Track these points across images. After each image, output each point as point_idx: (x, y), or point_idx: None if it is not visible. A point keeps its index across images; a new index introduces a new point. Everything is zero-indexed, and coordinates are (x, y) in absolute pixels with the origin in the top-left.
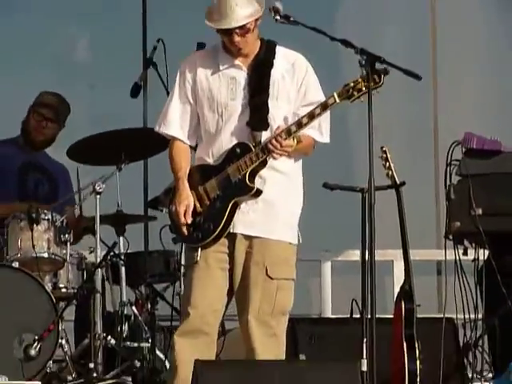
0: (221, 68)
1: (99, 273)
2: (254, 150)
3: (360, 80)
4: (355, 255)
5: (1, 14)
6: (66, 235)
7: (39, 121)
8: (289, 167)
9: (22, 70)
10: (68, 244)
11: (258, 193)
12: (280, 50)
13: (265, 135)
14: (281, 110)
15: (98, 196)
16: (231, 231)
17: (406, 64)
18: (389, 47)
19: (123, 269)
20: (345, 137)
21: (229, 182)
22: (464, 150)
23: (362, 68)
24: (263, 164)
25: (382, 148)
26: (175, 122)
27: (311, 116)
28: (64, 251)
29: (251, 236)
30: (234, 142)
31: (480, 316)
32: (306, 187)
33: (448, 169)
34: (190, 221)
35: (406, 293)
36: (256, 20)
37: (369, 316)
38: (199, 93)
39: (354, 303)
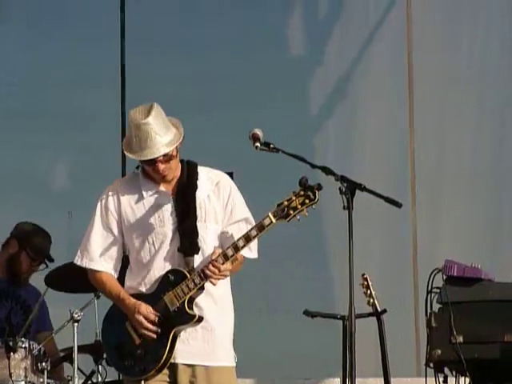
0: (145, 196)
1: None
2: (189, 276)
3: (294, 198)
4: (335, 383)
5: None
6: (44, 363)
7: (33, 265)
8: (222, 290)
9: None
10: (45, 372)
11: (200, 320)
12: (202, 171)
13: (197, 258)
14: (210, 230)
15: (76, 324)
16: (172, 361)
17: (385, 186)
18: (367, 169)
19: None
20: (324, 262)
21: (167, 311)
22: (445, 277)
23: (342, 195)
24: (201, 290)
25: (363, 275)
26: (99, 256)
27: (247, 238)
28: (41, 380)
29: (193, 365)
30: (168, 268)
31: None
32: (284, 314)
33: (429, 296)
34: (152, 328)
35: None
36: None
37: None
38: (125, 224)
39: None
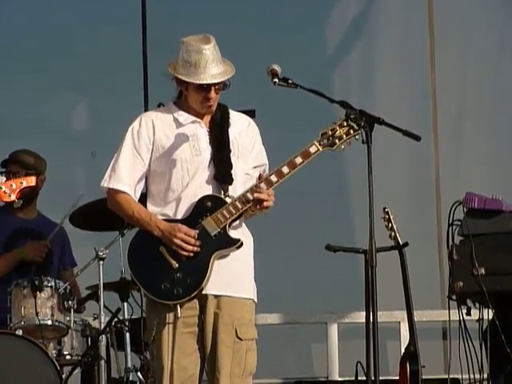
0: (182, 124)
1: (103, 339)
2: (228, 202)
3: (337, 127)
4: (361, 317)
5: None
6: (70, 302)
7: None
8: (242, 222)
9: (22, 139)
10: (72, 311)
11: (241, 245)
12: (232, 112)
13: (230, 189)
14: (239, 167)
15: (102, 262)
16: (202, 292)
17: (407, 121)
18: (388, 105)
19: (128, 335)
20: (346, 196)
21: (207, 235)
22: (465, 210)
23: (360, 129)
24: (240, 216)
25: (384, 209)
26: (127, 178)
27: (293, 165)
28: (68, 318)
29: (220, 295)
30: (199, 196)
31: (486, 376)
32: (308, 248)
33: (450, 229)
34: (197, 243)
35: (411, 354)
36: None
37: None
38: (158, 151)
39: (358, 365)
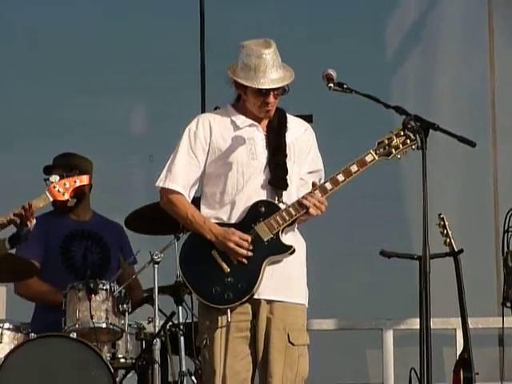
0: (240, 127)
1: (158, 343)
2: (282, 208)
3: (394, 137)
4: (417, 323)
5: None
6: (124, 305)
7: None
8: (295, 227)
9: (81, 143)
10: (126, 314)
11: (294, 251)
12: (290, 117)
13: (284, 194)
14: (294, 172)
15: (156, 265)
16: (255, 297)
17: (464, 127)
18: (445, 111)
19: (182, 338)
20: (400, 201)
21: (260, 241)
22: None
23: (415, 134)
24: (293, 223)
25: (439, 215)
26: (182, 179)
27: (348, 173)
28: (122, 321)
29: (273, 300)
30: (254, 200)
31: None
32: (364, 253)
33: (505, 236)
34: (249, 247)
35: (465, 361)
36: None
37: None
38: (215, 153)
39: (412, 372)
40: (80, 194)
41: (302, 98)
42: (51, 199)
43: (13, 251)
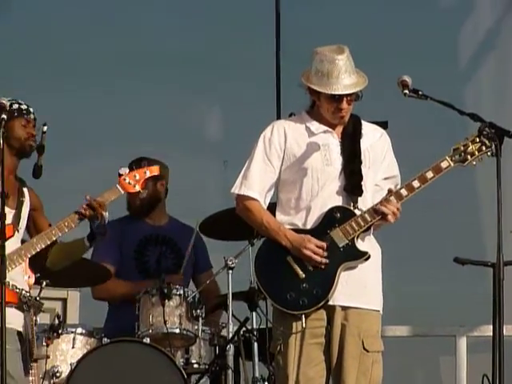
0: (314, 133)
1: (231, 348)
2: (357, 214)
3: (470, 143)
4: (490, 330)
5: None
6: (198, 310)
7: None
8: (371, 233)
9: (157, 147)
10: (200, 319)
11: (369, 257)
12: (365, 123)
13: (359, 201)
14: (369, 178)
15: (231, 271)
16: (330, 303)
17: None
18: None
19: (256, 344)
20: (475, 208)
21: (335, 246)
22: None
23: (490, 142)
24: (368, 229)
25: None
26: (257, 185)
27: (423, 180)
28: (196, 327)
29: (348, 307)
30: (329, 206)
31: None
32: (437, 260)
33: None
34: (325, 254)
35: None
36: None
37: None
38: (289, 159)
39: (484, 379)
40: (155, 198)
41: (377, 105)
42: (122, 192)
43: (88, 256)
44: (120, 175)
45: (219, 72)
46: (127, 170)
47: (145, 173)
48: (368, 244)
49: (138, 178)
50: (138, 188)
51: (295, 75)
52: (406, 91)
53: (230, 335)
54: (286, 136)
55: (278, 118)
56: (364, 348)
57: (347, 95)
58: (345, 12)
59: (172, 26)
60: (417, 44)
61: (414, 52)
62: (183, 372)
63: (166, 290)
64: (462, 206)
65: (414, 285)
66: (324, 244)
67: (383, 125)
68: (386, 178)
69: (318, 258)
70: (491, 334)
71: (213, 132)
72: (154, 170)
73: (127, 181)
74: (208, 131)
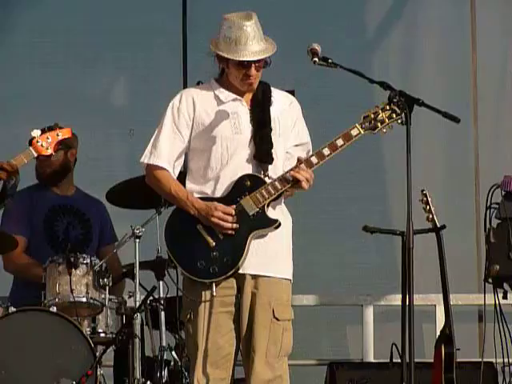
0: (223, 102)
1: (138, 317)
2: (268, 182)
3: (380, 111)
4: (397, 300)
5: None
6: (105, 279)
7: None
8: (282, 201)
9: (61, 115)
10: (107, 288)
11: (279, 225)
12: (275, 91)
13: (270, 168)
14: (280, 145)
15: (138, 240)
16: (240, 272)
17: (446, 103)
18: (428, 86)
19: (163, 313)
20: (381, 178)
21: (245, 215)
22: (503, 193)
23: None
24: (279, 196)
25: (422, 191)
26: (166, 154)
27: (334, 147)
28: (103, 296)
29: (257, 275)
30: (240, 174)
31: None
32: (345, 230)
33: (488, 212)
34: (233, 220)
35: (446, 337)
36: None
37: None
38: (198, 128)
39: (393, 347)
40: (66, 167)
41: (286, 72)
42: (35, 154)
43: None
44: (33, 138)
45: (123, 40)
46: (39, 132)
47: (57, 135)
48: (279, 212)
49: (50, 140)
50: (50, 151)
51: (202, 42)
52: (316, 59)
53: (137, 304)
54: (194, 104)
55: (185, 86)
56: (274, 316)
57: (255, 62)
58: None
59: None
60: (324, 12)
61: (321, 20)
62: (90, 341)
63: (72, 259)
64: (368, 176)
65: (321, 254)
66: (231, 210)
67: (290, 93)
68: (296, 145)
69: (226, 224)
70: (398, 303)
71: (118, 101)
72: (66, 133)
73: (40, 143)
74: (113, 100)
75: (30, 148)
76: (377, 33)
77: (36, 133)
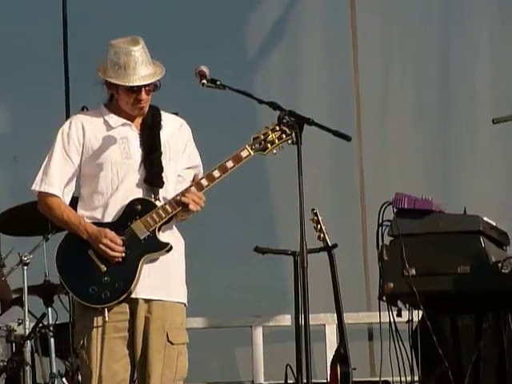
0: (113, 127)
1: (28, 345)
2: (158, 205)
3: (270, 132)
4: (286, 320)
5: None
6: None
7: None
8: (173, 225)
9: None
10: None
11: (171, 249)
12: (164, 114)
13: (161, 192)
14: (171, 169)
15: (26, 267)
16: (133, 296)
17: (330, 121)
18: (311, 105)
19: (52, 340)
20: (266, 197)
21: (136, 239)
22: (395, 210)
23: (290, 130)
24: (170, 220)
25: (312, 210)
26: (58, 182)
27: (224, 169)
28: None
29: (151, 299)
30: (129, 199)
31: (416, 378)
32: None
33: (380, 229)
34: (122, 249)
35: (342, 356)
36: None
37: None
38: (88, 153)
39: (288, 368)
40: None
41: (176, 96)
42: None
43: None
44: None
45: (6, 68)
46: None
47: None
48: (171, 235)
49: None
50: None
51: (84, 68)
52: (204, 81)
53: (27, 331)
54: (84, 130)
55: (67, 112)
56: (169, 340)
57: (145, 86)
58: (132, 4)
59: None
60: (205, 35)
61: (201, 42)
62: None
63: None
64: (253, 196)
65: (209, 276)
66: (119, 240)
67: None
68: (188, 168)
69: (112, 252)
70: (287, 323)
71: (1, 128)
72: None
73: None
74: None
75: None
76: (258, 53)
77: None
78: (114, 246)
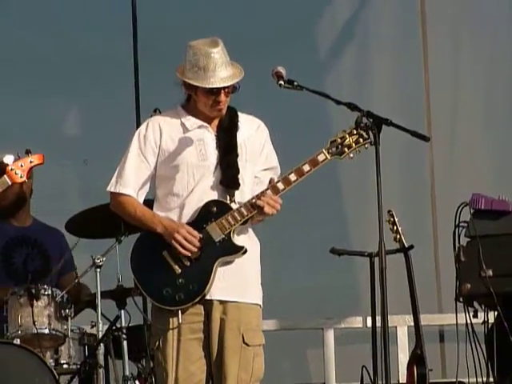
0: (188, 129)
1: (101, 347)
2: (234, 208)
3: (347, 135)
4: (358, 322)
5: None
6: (67, 310)
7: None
8: (250, 227)
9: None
10: (69, 319)
11: (245, 252)
12: (242, 116)
13: (236, 194)
14: (247, 171)
15: (98, 269)
16: (207, 298)
17: (400, 123)
18: (381, 106)
19: (125, 343)
20: (338, 200)
21: (211, 241)
22: (472, 211)
23: (368, 130)
24: (245, 223)
25: (389, 211)
26: (131, 183)
27: (300, 173)
28: (65, 326)
29: (226, 301)
30: (205, 201)
31: (492, 379)
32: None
33: (456, 230)
34: (198, 244)
35: (418, 357)
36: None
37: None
38: (164, 155)
39: (363, 370)
40: (22, 199)
41: (252, 97)
42: (10, 183)
43: None
44: (6, 165)
45: (77, 70)
46: (12, 159)
47: (30, 161)
48: (246, 238)
49: (23, 167)
50: (23, 178)
51: (153, 71)
52: (281, 82)
53: (100, 334)
54: (161, 132)
55: (138, 114)
56: (244, 342)
57: (224, 88)
58: (201, 7)
59: (30, 27)
60: (277, 35)
61: (273, 44)
62: (55, 373)
63: (33, 291)
64: (325, 198)
65: (280, 278)
66: (197, 233)
67: None
68: (265, 170)
69: (189, 245)
70: (359, 325)
71: (71, 130)
72: (39, 159)
73: (14, 171)
74: (66, 130)
75: (5, 177)
76: (329, 54)
77: (9, 159)
78: (192, 238)
